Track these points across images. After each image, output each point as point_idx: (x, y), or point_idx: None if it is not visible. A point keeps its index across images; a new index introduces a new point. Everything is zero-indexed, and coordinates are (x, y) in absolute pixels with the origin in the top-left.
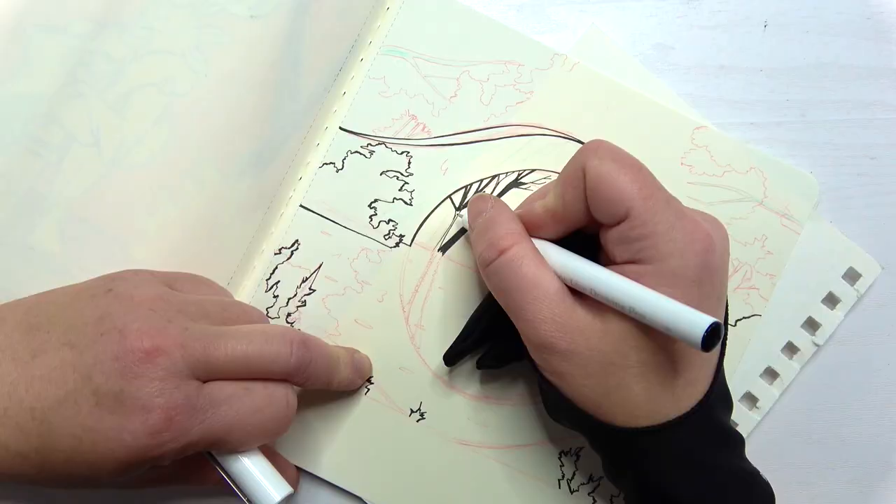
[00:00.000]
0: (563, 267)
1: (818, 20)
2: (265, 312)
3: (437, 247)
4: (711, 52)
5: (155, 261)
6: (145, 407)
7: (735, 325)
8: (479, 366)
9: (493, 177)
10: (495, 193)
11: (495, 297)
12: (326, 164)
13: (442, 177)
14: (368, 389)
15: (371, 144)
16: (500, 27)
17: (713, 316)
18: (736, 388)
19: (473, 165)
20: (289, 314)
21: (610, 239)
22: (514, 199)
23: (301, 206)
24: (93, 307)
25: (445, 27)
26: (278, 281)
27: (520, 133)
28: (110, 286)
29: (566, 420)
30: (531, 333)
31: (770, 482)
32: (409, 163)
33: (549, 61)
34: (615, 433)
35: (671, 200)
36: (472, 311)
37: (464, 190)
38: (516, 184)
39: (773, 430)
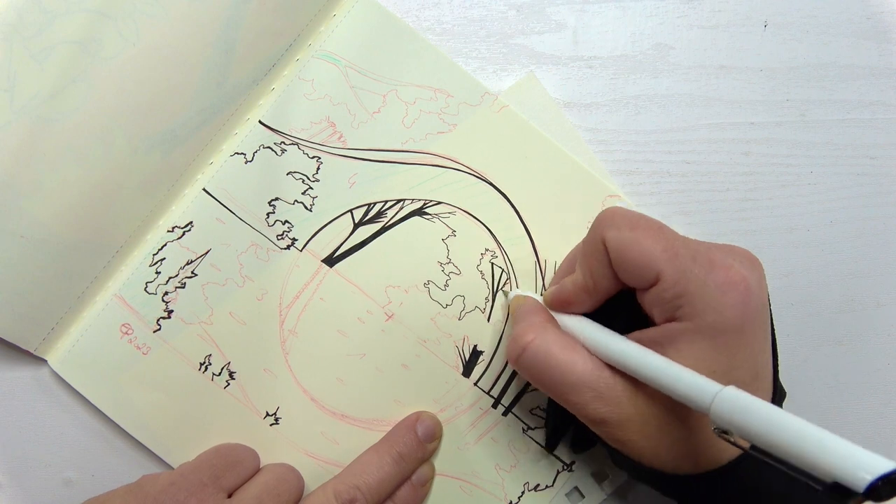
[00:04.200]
0: (594, 345)
1: (818, 20)
2: (144, 287)
3: (328, 258)
4: (711, 52)
5: (47, 215)
6: None
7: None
8: (574, 451)
9: (399, 201)
10: (396, 216)
11: (542, 390)
12: (238, 153)
13: (348, 189)
14: (229, 384)
15: (285, 143)
16: (439, 55)
17: (761, 354)
18: None
19: (382, 185)
20: (166, 293)
21: (646, 301)
22: (414, 227)
23: (204, 189)
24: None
25: (384, 43)
26: (164, 258)
27: (435, 163)
28: (144, 486)
29: (637, 477)
30: (582, 414)
31: None
32: (318, 169)
33: (479, 98)
34: (684, 482)
35: (698, 254)
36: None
37: (366, 207)
38: (420, 212)
39: None
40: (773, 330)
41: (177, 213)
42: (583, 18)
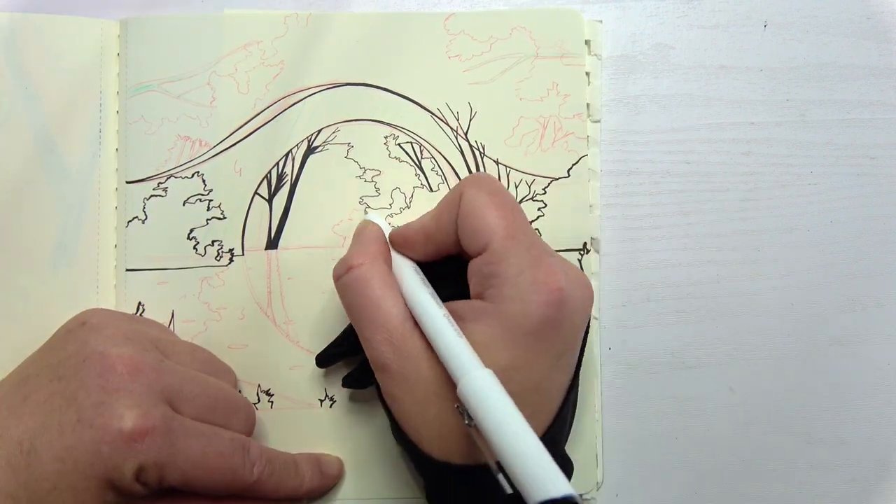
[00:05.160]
0: (407, 293)
1: (818, 20)
2: None
3: (268, 244)
4: (711, 52)
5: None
6: (123, 416)
7: (568, 175)
8: (343, 384)
9: (286, 154)
10: (296, 166)
11: (347, 313)
12: (130, 220)
13: (239, 178)
14: (272, 402)
15: (161, 182)
16: (221, 17)
17: (551, 371)
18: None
19: (263, 154)
20: None
21: (469, 269)
22: (316, 166)
23: (127, 269)
24: (72, 341)
25: (173, 43)
26: None
27: (290, 103)
28: (84, 319)
29: (400, 442)
30: (369, 352)
31: (771, 482)
32: (204, 181)
33: (284, 26)
34: (431, 464)
35: (534, 248)
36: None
37: (265, 180)
38: (310, 151)
39: (773, 429)
40: (577, 369)
41: (123, 305)
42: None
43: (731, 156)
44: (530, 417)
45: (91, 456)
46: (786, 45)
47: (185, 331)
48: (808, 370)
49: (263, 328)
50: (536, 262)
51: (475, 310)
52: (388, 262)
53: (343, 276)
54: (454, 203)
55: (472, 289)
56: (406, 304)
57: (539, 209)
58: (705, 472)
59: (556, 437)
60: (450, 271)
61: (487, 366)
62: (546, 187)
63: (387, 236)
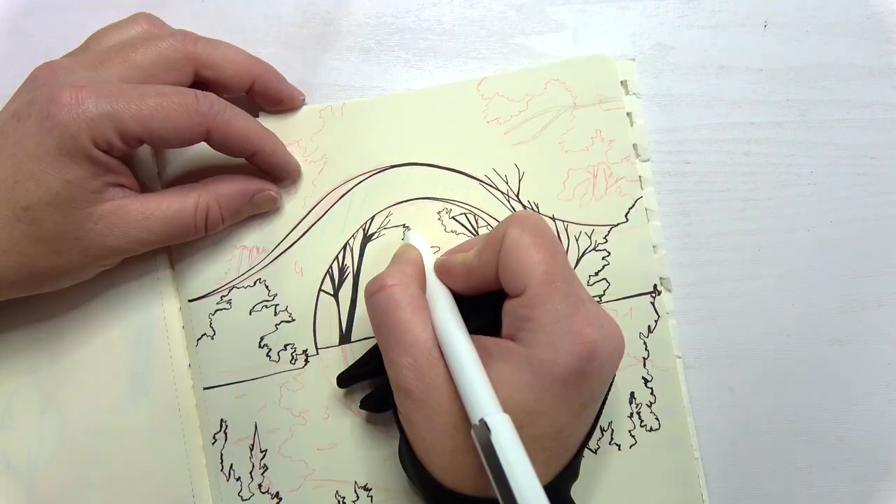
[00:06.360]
0: (437, 321)
1: (818, 20)
2: (241, 498)
3: (339, 339)
4: (711, 52)
5: None
6: (73, 85)
7: (627, 219)
8: (361, 406)
9: (344, 246)
10: (355, 257)
11: (374, 332)
12: (199, 338)
13: (302, 278)
14: (372, 497)
15: (224, 296)
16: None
17: (574, 421)
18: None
19: (321, 250)
20: (259, 485)
21: (505, 308)
22: (375, 256)
23: (204, 388)
24: (26, 85)
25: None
26: (231, 464)
27: (340, 195)
28: (34, 72)
29: (408, 467)
30: (392, 374)
31: (771, 482)
32: (267, 287)
33: (320, 120)
34: (441, 491)
35: (572, 295)
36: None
37: (327, 275)
38: (367, 239)
39: (773, 429)
40: (597, 419)
41: (206, 426)
42: (583, 18)
43: (731, 156)
44: (545, 462)
45: (38, 137)
46: (786, 45)
47: (272, 441)
48: (808, 370)
49: (351, 424)
50: (573, 310)
51: (506, 350)
52: (423, 286)
53: (375, 293)
54: (497, 241)
55: (505, 328)
56: (435, 332)
57: (603, 258)
58: (706, 472)
59: (566, 482)
60: (484, 302)
61: (511, 408)
62: (606, 235)
63: (426, 259)
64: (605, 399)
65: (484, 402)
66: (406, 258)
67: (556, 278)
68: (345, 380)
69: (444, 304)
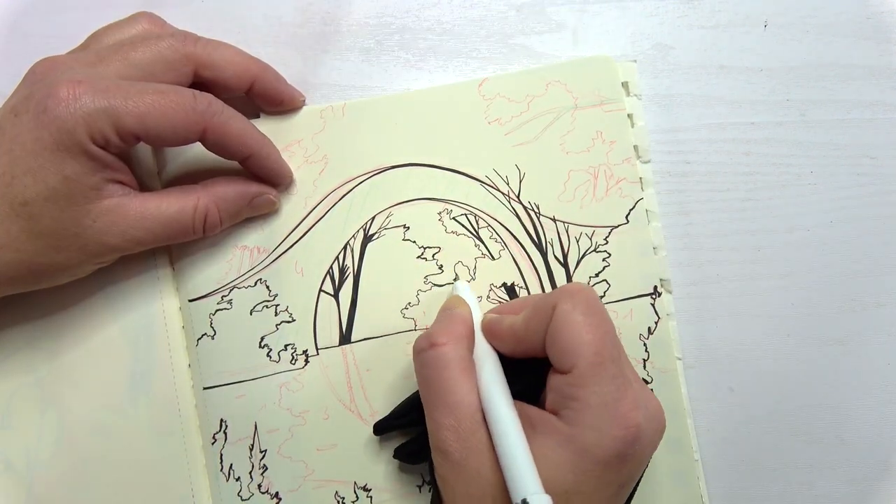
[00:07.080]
0: (482, 387)
1: (818, 20)
2: (241, 498)
3: (340, 340)
4: (711, 51)
5: None
6: (57, 92)
7: (627, 220)
8: (394, 455)
9: (344, 247)
10: (355, 257)
11: (419, 387)
12: (199, 338)
13: (302, 278)
14: (371, 498)
15: (224, 296)
16: (258, 124)
17: (603, 499)
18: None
19: (321, 250)
20: (259, 485)
21: (550, 382)
22: (376, 255)
23: (204, 388)
24: (25, 80)
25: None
26: (231, 464)
27: (340, 196)
28: (32, 68)
29: None
30: (433, 433)
31: (771, 482)
32: (268, 287)
33: (321, 120)
34: None
35: (619, 377)
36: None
37: (328, 276)
38: (368, 239)
39: (773, 429)
40: (633, 494)
41: (206, 425)
42: (583, 18)
43: (731, 156)
44: None
45: (35, 132)
46: (786, 45)
47: (271, 441)
48: (808, 370)
49: (351, 425)
50: (620, 393)
51: (549, 425)
52: (471, 346)
53: (425, 351)
54: (546, 314)
55: (550, 402)
56: (477, 394)
57: (604, 259)
58: (706, 472)
59: None
60: (528, 365)
61: (551, 485)
62: (607, 237)
63: (474, 314)
64: (641, 476)
65: (528, 480)
66: (456, 315)
67: (605, 359)
68: (381, 429)
69: (491, 367)
